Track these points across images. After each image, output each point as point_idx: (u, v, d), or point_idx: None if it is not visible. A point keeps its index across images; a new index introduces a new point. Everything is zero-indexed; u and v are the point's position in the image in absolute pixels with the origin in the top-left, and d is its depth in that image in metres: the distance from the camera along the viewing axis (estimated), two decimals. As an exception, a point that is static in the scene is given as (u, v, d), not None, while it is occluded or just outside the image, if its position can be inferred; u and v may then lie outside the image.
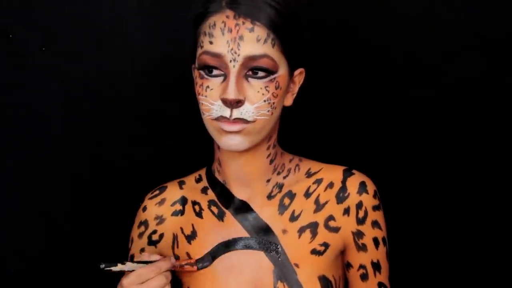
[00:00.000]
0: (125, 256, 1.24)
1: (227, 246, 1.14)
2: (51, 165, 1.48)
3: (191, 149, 1.47)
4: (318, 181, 1.16)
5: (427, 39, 1.45)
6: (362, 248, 1.14)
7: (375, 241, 1.15)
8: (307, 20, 1.17)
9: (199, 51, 1.07)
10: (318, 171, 1.18)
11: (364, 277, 1.15)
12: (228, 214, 1.16)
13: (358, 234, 1.14)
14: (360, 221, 1.14)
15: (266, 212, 1.15)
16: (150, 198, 1.23)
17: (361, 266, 1.15)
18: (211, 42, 1.05)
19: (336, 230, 1.14)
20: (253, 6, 1.05)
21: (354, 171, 1.16)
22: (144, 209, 1.22)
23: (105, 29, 1.45)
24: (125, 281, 1.05)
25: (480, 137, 1.48)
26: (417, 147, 1.50)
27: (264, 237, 1.13)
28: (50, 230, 1.49)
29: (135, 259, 1.19)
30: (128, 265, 1.07)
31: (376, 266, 1.15)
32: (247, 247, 1.13)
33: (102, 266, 1.06)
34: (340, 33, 1.47)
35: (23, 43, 1.43)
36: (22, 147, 1.46)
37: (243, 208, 1.15)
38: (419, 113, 1.48)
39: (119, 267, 1.07)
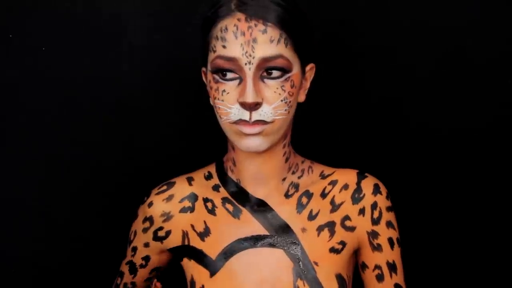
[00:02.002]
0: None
1: (245, 243, 1.14)
2: (51, 164, 1.47)
3: (192, 149, 1.49)
4: (333, 183, 1.18)
5: (436, 39, 1.47)
6: (377, 248, 1.16)
7: (390, 241, 1.17)
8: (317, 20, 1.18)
9: (212, 55, 1.08)
10: (332, 173, 1.20)
11: (380, 277, 1.16)
12: (245, 211, 1.17)
13: (373, 234, 1.17)
14: (375, 222, 1.16)
15: (285, 210, 1.16)
16: (157, 194, 1.21)
17: (377, 267, 1.16)
18: (224, 46, 1.05)
19: (352, 229, 1.17)
20: (262, 7, 1.05)
21: (367, 174, 1.19)
22: (150, 204, 1.21)
23: (105, 29, 1.44)
24: None
25: (489, 137, 1.50)
26: (425, 148, 1.51)
27: (283, 235, 1.14)
28: (50, 230, 1.49)
29: (139, 251, 1.21)
30: None
31: (392, 266, 1.16)
32: (267, 244, 1.14)
33: None
34: (347, 32, 1.49)
35: (23, 43, 1.42)
36: (21, 147, 1.45)
37: (260, 206, 1.16)
38: (428, 114, 1.50)
39: None
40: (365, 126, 1.52)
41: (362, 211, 1.17)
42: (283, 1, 1.07)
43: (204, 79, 1.16)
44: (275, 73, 1.06)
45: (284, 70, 1.07)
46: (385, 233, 1.17)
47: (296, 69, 1.09)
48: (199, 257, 1.16)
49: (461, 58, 1.47)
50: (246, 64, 1.05)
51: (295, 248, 1.14)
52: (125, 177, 1.50)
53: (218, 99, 1.07)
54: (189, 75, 1.40)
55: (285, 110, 1.08)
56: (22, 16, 1.42)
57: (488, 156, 1.51)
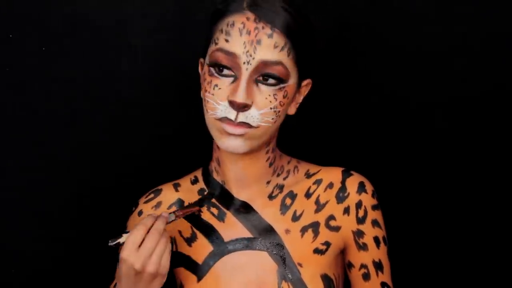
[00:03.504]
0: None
1: (230, 246, 1.14)
2: (51, 165, 1.47)
3: (190, 149, 1.48)
4: (318, 182, 1.17)
5: (430, 37, 1.45)
6: (363, 247, 1.15)
7: (376, 240, 1.15)
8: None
9: (213, 47, 1.07)
10: (317, 172, 1.19)
11: (366, 276, 1.15)
12: (229, 214, 1.16)
13: (359, 233, 1.15)
14: (360, 220, 1.15)
15: (268, 212, 1.15)
16: (146, 202, 1.22)
17: (363, 266, 1.15)
18: (227, 40, 1.05)
19: (336, 229, 1.15)
20: (274, 12, 1.05)
21: (352, 172, 1.18)
22: (140, 213, 1.21)
23: (105, 29, 1.44)
24: (123, 253, 1.01)
25: (480, 138, 1.49)
26: (416, 147, 1.51)
27: (267, 237, 1.13)
28: (50, 230, 1.49)
29: None
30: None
31: (378, 265, 1.15)
32: (251, 247, 1.13)
33: (111, 243, 1.03)
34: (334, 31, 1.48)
35: (23, 43, 1.43)
36: (21, 147, 1.46)
37: (244, 209, 1.16)
38: (418, 112, 1.49)
39: (125, 237, 1.02)
40: (356, 124, 1.51)
41: (346, 210, 1.15)
42: (294, 11, 1.07)
43: (200, 70, 1.15)
44: (271, 80, 1.05)
45: (280, 80, 1.05)
46: (370, 232, 1.15)
47: (292, 81, 1.08)
48: (187, 262, 1.16)
49: (461, 60, 1.46)
50: (244, 63, 1.03)
51: (279, 250, 1.12)
52: (125, 177, 1.49)
53: (209, 92, 1.06)
54: (190, 76, 1.39)
55: (272, 118, 1.06)
56: (22, 16, 1.42)
57: (482, 158, 1.50)
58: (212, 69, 1.06)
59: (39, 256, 1.49)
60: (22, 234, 1.48)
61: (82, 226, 1.50)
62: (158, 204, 1.20)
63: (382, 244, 1.16)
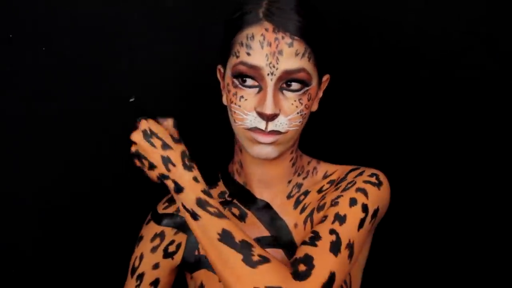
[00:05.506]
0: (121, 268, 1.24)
1: None
2: (51, 165, 1.47)
3: (193, 150, 1.49)
4: (331, 182, 1.19)
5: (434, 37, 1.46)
6: (334, 204, 1.09)
7: (352, 200, 1.08)
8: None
9: (234, 60, 1.07)
10: (333, 173, 1.20)
11: (322, 221, 1.07)
12: (250, 214, 1.18)
13: (336, 198, 1.10)
14: (344, 190, 1.11)
15: (285, 210, 1.17)
16: (165, 208, 1.21)
17: (325, 216, 1.07)
18: (248, 54, 1.05)
19: (323, 207, 1.13)
20: (291, 19, 1.05)
21: (364, 168, 1.16)
22: (160, 221, 1.21)
23: (106, 29, 1.44)
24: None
25: (482, 139, 1.49)
26: (422, 147, 1.50)
27: (283, 235, 1.15)
28: (50, 230, 1.49)
29: (146, 277, 1.18)
30: None
31: (340, 218, 1.06)
32: (269, 245, 1.14)
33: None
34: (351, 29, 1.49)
35: (23, 43, 1.42)
36: (21, 147, 1.45)
37: (265, 208, 1.17)
38: (422, 113, 1.50)
39: None
40: (366, 122, 1.51)
41: (337, 188, 1.14)
42: (310, 14, 1.08)
43: (218, 76, 1.16)
44: (295, 85, 1.07)
45: (304, 83, 1.07)
46: (349, 194, 1.10)
47: (314, 82, 1.10)
48: (209, 264, 1.16)
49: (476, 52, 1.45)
50: (268, 74, 1.05)
51: (292, 247, 1.14)
52: (125, 177, 1.48)
53: (235, 104, 1.08)
54: (191, 76, 1.41)
55: (299, 122, 1.09)
56: (22, 16, 1.42)
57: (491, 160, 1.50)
58: (235, 80, 1.07)
59: (39, 256, 1.49)
60: (22, 234, 1.48)
61: (82, 226, 1.50)
62: (178, 210, 1.20)
63: (358, 207, 1.07)
